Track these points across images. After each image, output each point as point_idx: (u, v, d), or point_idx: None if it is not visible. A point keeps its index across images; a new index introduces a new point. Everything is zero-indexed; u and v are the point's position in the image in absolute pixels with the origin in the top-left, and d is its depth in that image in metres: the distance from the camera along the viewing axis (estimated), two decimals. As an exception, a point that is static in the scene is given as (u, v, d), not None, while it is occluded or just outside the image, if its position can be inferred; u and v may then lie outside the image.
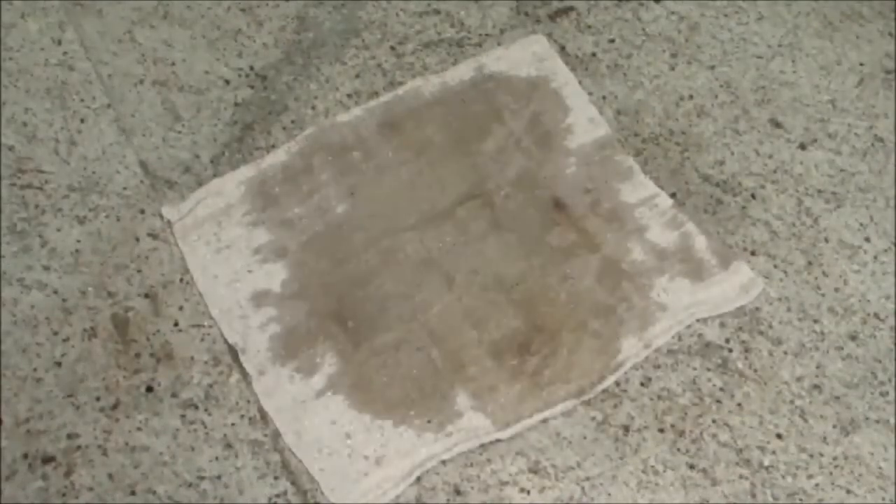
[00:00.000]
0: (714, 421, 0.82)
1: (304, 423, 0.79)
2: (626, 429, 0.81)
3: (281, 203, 0.89)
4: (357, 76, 0.97)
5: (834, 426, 0.82)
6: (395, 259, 0.87)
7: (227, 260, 0.86)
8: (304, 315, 0.84)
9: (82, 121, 0.92)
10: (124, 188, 0.89)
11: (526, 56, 1.00)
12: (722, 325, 0.86)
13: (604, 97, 0.98)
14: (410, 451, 0.79)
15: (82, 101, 0.94)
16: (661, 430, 0.81)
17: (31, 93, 0.93)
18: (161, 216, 0.88)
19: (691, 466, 0.80)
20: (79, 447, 0.77)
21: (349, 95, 0.96)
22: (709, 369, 0.84)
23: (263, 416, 0.80)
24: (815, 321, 0.86)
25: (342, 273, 0.86)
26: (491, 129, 0.95)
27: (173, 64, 0.97)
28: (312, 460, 0.78)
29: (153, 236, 0.87)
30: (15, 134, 0.91)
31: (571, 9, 1.04)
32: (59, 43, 0.96)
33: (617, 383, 0.83)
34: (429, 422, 0.80)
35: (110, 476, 0.76)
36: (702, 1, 1.04)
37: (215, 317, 0.83)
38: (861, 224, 0.92)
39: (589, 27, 1.03)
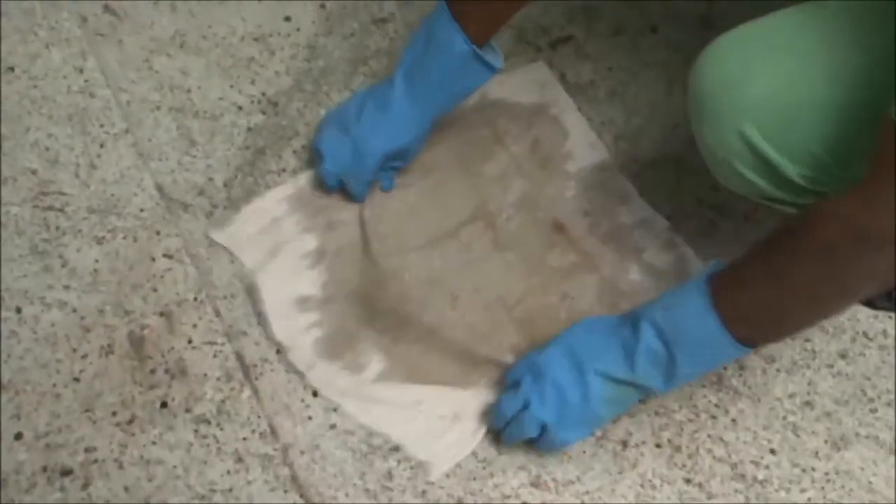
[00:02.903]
0: (709, 436, 0.84)
1: (369, 401, 0.83)
2: (625, 444, 0.83)
3: (325, 210, 0.92)
4: (365, 103, 1.01)
5: (826, 442, 0.84)
6: (402, 278, 0.89)
7: (278, 264, 0.89)
8: (342, 319, 0.87)
9: (101, 146, 0.96)
10: (141, 210, 0.93)
11: (527, 83, 1.03)
12: (717, 343, 0.88)
13: (602, 123, 1.01)
14: (480, 403, 0.83)
15: (102, 126, 0.97)
16: (658, 446, 0.83)
17: (53, 119, 0.97)
18: (177, 235, 0.91)
19: (688, 481, 0.82)
20: (95, 460, 0.80)
21: (357, 121, 0.99)
22: (704, 386, 0.86)
23: (273, 430, 0.82)
24: (807, 340, 0.89)
25: (364, 280, 0.89)
26: (493, 153, 0.98)
27: (189, 91, 1.00)
28: (391, 429, 0.82)
29: (168, 257, 0.90)
30: (38, 158, 0.94)
31: (571, 37, 1.07)
32: (81, 71, 1.00)
33: (615, 400, 0.85)
34: (488, 379, 0.84)
35: (126, 489, 0.79)
36: (694, 32, 1.07)
37: (266, 313, 0.86)
38: (853, 245, 0.94)
39: (588, 55, 1.06)
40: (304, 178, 0.94)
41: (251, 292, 0.88)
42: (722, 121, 0.71)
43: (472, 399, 0.83)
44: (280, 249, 0.90)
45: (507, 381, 0.80)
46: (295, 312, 0.87)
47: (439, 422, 0.82)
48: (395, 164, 0.91)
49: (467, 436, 0.82)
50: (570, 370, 0.74)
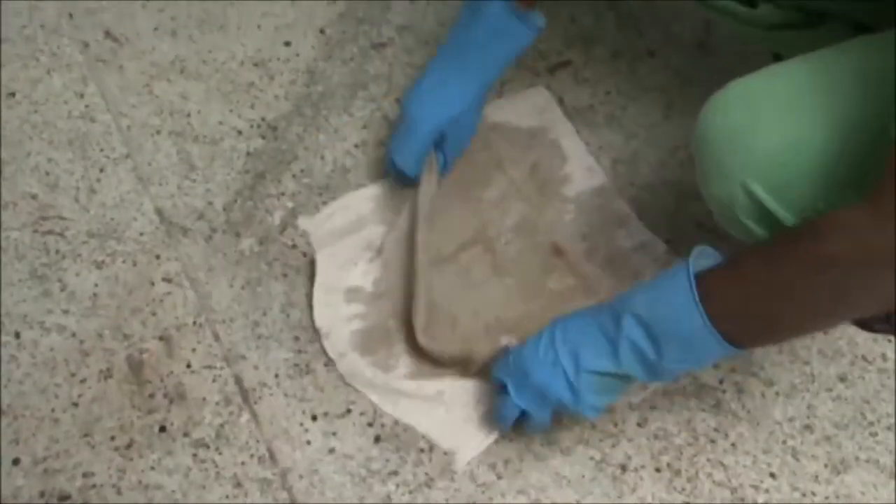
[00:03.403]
0: (709, 460, 0.84)
1: (393, 393, 0.84)
2: (624, 468, 0.83)
3: (401, 209, 0.94)
4: (364, 127, 1.01)
5: (826, 466, 0.84)
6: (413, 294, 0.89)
7: (340, 252, 0.91)
8: (385, 317, 0.88)
9: (101, 170, 0.97)
10: (141, 234, 0.93)
11: (527, 107, 1.04)
12: (716, 366, 0.88)
13: (601, 147, 1.01)
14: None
15: (102, 151, 0.98)
16: (658, 470, 0.83)
17: (54, 144, 0.97)
18: (176, 259, 0.91)
19: (687, 505, 0.82)
20: (94, 486, 0.79)
21: (356, 145, 1.00)
22: (703, 410, 0.86)
23: (272, 455, 0.82)
24: (806, 363, 0.89)
25: (404, 282, 0.90)
26: (492, 177, 0.98)
27: (189, 115, 1.01)
28: (417, 419, 0.83)
29: (168, 281, 0.90)
30: (38, 183, 0.95)
31: (569, 62, 1.08)
32: (82, 96, 1.01)
33: (615, 423, 0.85)
34: None
35: (124, 514, 0.79)
36: (692, 56, 1.09)
37: (312, 297, 0.88)
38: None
39: (586, 80, 1.07)
40: (392, 179, 0.95)
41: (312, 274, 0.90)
42: (726, 173, 0.71)
43: (492, 389, 0.84)
44: (348, 240, 0.92)
45: (496, 382, 0.80)
46: (340, 301, 0.88)
47: (462, 410, 0.84)
48: (452, 148, 0.92)
49: (491, 423, 0.83)
50: (553, 367, 0.74)
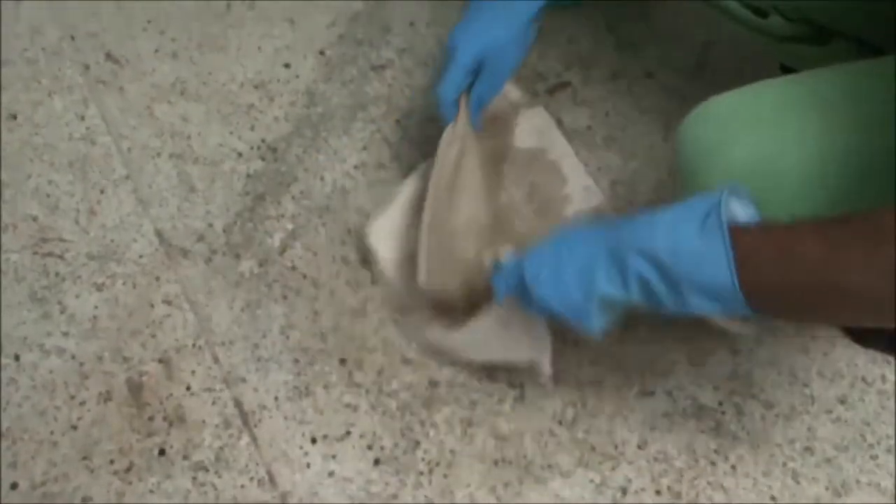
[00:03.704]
0: (709, 483, 0.84)
1: (451, 351, 0.87)
2: (624, 491, 0.83)
3: None
4: (363, 148, 1.02)
5: (826, 488, 0.84)
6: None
7: (394, 220, 0.92)
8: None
9: (102, 192, 0.97)
10: (140, 256, 0.93)
11: (526, 128, 1.04)
12: (715, 388, 0.88)
13: (599, 168, 1.02)
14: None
15: (102, 173, 0.98)
16: (658, 492, 0.83)
17: (54, 166, 0.98)
18: (176, 282, 0.92)
19: (688, 528, 0.82)
20: (92, 509, 0.80)
21: (356, 167, 1.01)
22: (703, 432, 0.86)
23: (272, 478, 0.82)
24: (805, 385, 0.89)
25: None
26: (492, 197, 0.98)
27: (189, 137, 1.01)
28: (487, 353, 0.86)
29: (167, 303, 0.90)
30: (39, 205, 0.95)
31: (568, 84, 1.09)
32: (83, 118, 1.01)
33: (615, 446, 0.85)
34: None
35: (122, 538, 0.79)
36: (690, 78, 1.09)
37: (387, 276, 0.90)
38: (849, 289, 0.94)
39: (584, 101, 1.07)
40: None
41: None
42: (699, 185, 0.70)
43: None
44: (399, 205, 0.93)
45: (499, 300, 0.76)
46: (411, 272, 0.88)
47: (518, 332, 0.84)
48: (488, 83, 0.88)
49: (540, 330, 0.84)
50: (557, 285, 0.69)
